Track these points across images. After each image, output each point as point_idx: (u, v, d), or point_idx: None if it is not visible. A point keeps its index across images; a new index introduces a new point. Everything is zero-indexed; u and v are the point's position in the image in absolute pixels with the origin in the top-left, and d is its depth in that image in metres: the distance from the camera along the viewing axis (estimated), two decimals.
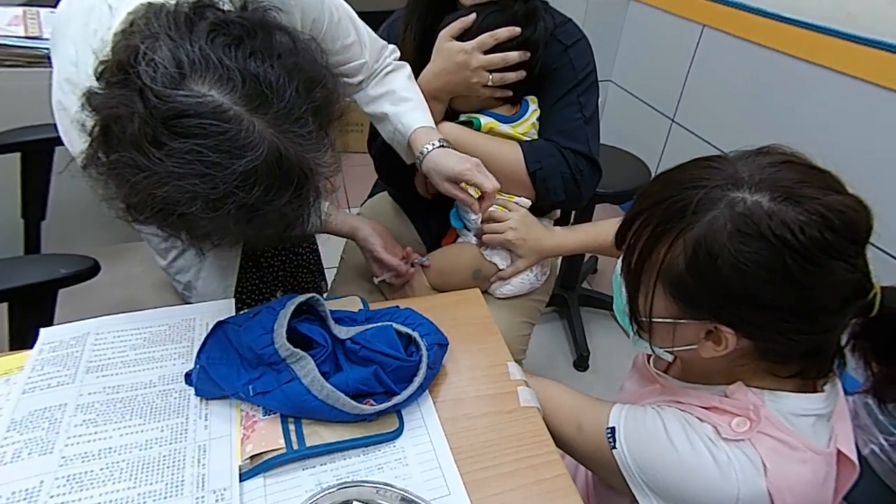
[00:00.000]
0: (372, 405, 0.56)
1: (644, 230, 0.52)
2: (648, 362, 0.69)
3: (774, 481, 0.49)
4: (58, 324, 0.65)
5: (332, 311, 0.64)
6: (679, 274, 0.50)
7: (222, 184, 0.46)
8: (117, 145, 0.47)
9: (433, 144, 0.81)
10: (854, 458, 0.53)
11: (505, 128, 0.89)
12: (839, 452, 0.53)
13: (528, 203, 0.92)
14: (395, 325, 0.63)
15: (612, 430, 0.58)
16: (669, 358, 0.59)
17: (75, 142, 0.62)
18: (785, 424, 0.51)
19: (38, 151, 1.01)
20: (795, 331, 0.48)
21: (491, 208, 0.91)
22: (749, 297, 0.47)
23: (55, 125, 0.65)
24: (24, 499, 0.47)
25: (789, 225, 0.45)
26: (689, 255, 0.48)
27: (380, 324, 0.63)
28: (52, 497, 0.48)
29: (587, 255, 1.97)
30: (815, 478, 0.51)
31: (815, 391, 0.55)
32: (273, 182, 0.48)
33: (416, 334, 0.62)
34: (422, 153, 0.81)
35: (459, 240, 0.97)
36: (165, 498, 0.49)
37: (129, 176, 0.46)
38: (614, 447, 0.57)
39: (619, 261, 0.59)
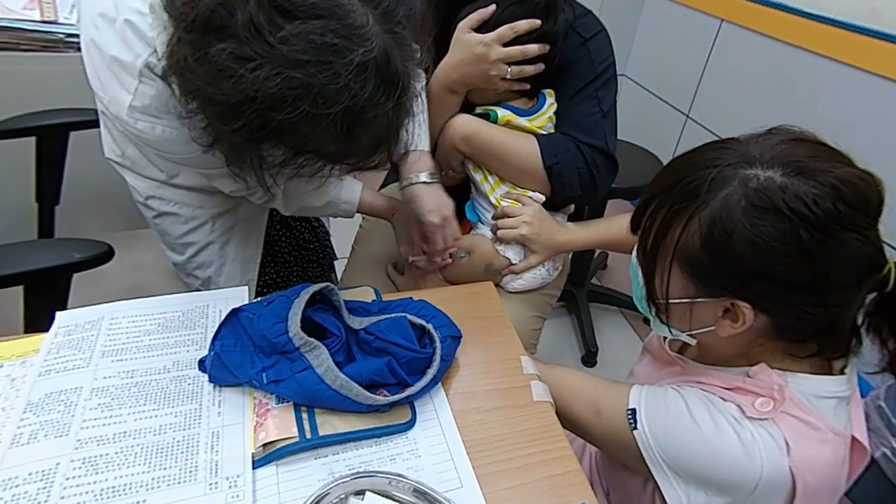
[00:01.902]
0: (385, 396, 0.56)
1: (659, 212, 0.53)
2: (664, 343, 0.69)
3: (797, 461, 0.49)
4: (70, 308, 0.65)
5: (345, 301, 0.63)
6: (695, 252, 0.50)
7: (343, 72, 0.44)
8: (220, 37, 0.43)
9: (418, 177, 0.83)
10: (866, 443, 0.54)
11: (522, 121, 0.88)
12: (852, 438, 0.54)
13: (542, 199, 0.91)
14: (409, 317, 0.62)
15: (633, 411, 0.58)
16: (692, 342, 0.59)
17: (109, 83, 0.59)
18: (807, 405, 0.52)
19: (53, 136, 1.01)
20: (812, 304, 0.49)
21: (504, 203, 0.91)
22: (765, 271, 0.48)
23: (86, 80, 0.61)
24: (40, 480, 0.47)
25: (803, 198, 0.45)
26: (705, 232, 0.49)
27: (394, 315, 0.63)
28: (67, 479, 0.48)
29: (597, 251, 1.96)
30: (834, 458, 0.51)
31: (832, 373, 0.55)
32: (381, 82, 0.46)
33: (430, 326, 0.62)
34: (408, 181, 0.83)
35: (472, 232, 0.96)
36: (179, 483, 0.49)
37: (234, 69, 0.43)
38: (635, 428, 0.57)
39: (635, 248, 0.59)
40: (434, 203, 0.83)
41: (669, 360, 0.67)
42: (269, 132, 0.46)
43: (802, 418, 0.51)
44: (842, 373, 0.55)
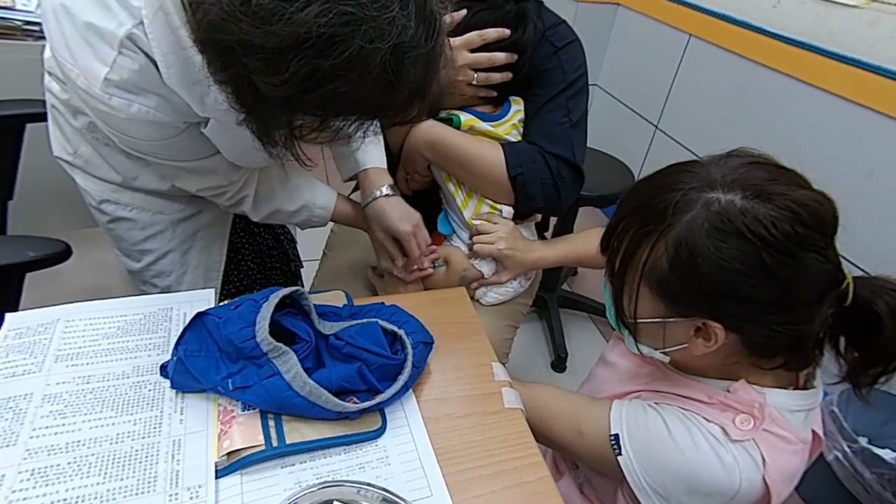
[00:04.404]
0: (355, 403, 0.55)
1: (627, 233, 0.54)
2: None
3: (772, 473, 0.52)
4: (22, 310, 0.62)
5: (316, 306, 0.62)
6: (663, 274, 0.51)
7: (391, 3, 0.42)
8: None
9: (381, 191, 0.83)
10: (821, 432, 0.58)
11: (485, 125, 0.87)
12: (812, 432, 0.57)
13: (512, 213, 0.91)
14: (380, 322, 0.62)
15: (616, 437, 0.59)
16: (665, 359, 0.60)
17: (81, 53, 0.55)
18: (782, 420, 0.54)
19: (6, 129, 0.96)
20: (778, 322, 0.50)
21: (477, 222, 0.91)
22: (731, 292, 0.49)
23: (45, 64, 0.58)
24: None
25: (762, 221, 0.47)
26: (672, 254, 0.50)
27: (365, 320, 0.62)
28: (14, 492, 0.45)
29: None
30: (801, 464, 0.55)
31: (797, 382, 0.58)
32: (420, 21, 0.45)
33: (401, 332, 0.62)
34: (371, 196, 0.83)
35: (445, 244, 0.96)
36: (137, 494, 0.47)
37: (283, 9, 0.41)
38: (619, 454, 0.58)
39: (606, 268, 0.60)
40: (401, 213, 0.83)
41: (647, 360, 0.67)
42: (315, 82, 0.44)
43: (778, 434, 0.54)
44: (812, 386, 0.59)
